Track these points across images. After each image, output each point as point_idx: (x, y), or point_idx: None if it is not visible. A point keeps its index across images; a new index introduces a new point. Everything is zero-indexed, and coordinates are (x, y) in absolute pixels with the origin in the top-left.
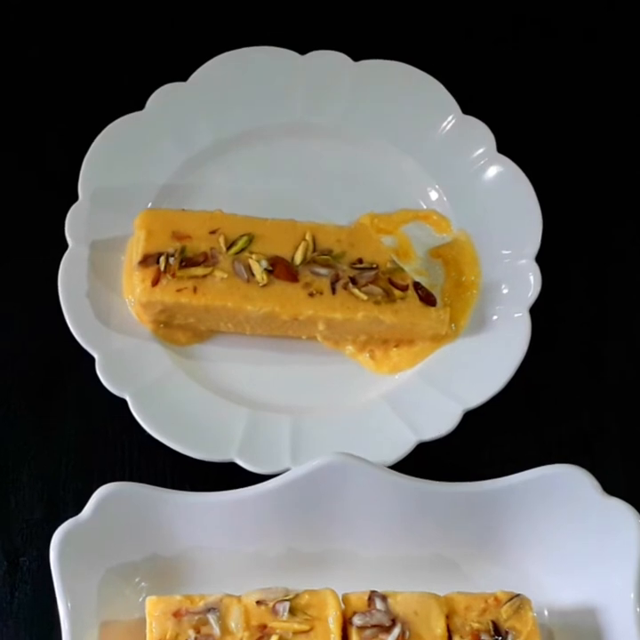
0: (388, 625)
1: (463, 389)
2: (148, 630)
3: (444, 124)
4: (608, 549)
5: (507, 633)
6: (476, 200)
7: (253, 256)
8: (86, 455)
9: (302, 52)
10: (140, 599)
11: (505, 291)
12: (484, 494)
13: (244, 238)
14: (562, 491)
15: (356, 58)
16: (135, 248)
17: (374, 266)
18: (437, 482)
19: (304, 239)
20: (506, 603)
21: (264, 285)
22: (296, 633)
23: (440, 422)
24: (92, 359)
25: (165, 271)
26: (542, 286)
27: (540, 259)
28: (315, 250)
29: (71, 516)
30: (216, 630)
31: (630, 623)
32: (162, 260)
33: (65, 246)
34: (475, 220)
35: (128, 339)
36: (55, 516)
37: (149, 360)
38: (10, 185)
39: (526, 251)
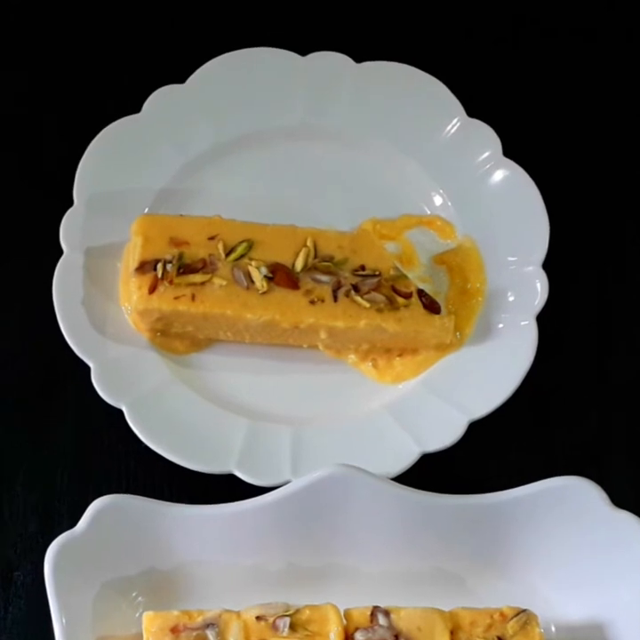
0: None
1: (468, 399)
2: None
3: (449, 126)
4: (616, 563)
5: None
6: (482, 205)
7: (253, 263)
8: (82, 467)
9: (303, 53)
10: (137, 614)
11: (511, 298)
12: (490, 507)
13: (244, 244)
14: (569, 503)
15: (357, 59)
16: (132, 254)
17: (377, 273)
18: (442, 494)
19: (305, 245)
20: (512, 618)
21: (264, 293)
22: None
23: (444, 433)
24: (88, 368)
25: (163, 278)
26: (549, 293)
27: (548, 265)
28: (316, 256)
29: (66, 529)
30: None
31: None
32: (159, 266)
33: (60, 252)
34: (480, 225)
35: (124, 347)
36: (50, 529)
37: (146, 369)
38: (4, 189)
39: (533, 257)
